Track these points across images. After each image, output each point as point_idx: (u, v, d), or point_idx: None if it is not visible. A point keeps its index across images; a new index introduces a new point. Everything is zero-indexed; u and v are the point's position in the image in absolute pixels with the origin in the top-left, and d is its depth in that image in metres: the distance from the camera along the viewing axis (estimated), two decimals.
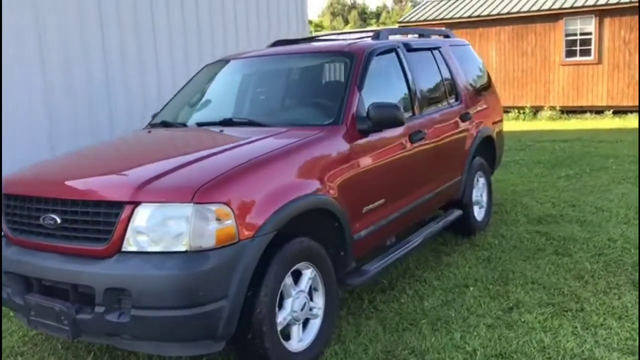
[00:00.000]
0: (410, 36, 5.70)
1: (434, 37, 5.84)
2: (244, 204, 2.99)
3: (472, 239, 5.62)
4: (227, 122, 4.10)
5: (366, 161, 3.94)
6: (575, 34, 15.48)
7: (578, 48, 15.50)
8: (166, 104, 4.82)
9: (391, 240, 4.58)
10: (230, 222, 2.90)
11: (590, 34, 15.27)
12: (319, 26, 66.07)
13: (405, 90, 4.70)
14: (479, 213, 5.94)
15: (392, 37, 5.05)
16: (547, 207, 6.64)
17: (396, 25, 24.04)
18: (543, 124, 15.05)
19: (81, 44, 6.50)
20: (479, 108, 5.94)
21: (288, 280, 3.28)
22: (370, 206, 3.99)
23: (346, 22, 79.55)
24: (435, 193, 4.92)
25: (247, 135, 3.70)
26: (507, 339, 3.60)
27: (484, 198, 6.07)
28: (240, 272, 2.92)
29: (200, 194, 2.86)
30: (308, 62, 4.52)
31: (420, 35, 5.73)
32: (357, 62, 4.21)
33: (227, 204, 2.91)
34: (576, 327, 3.68)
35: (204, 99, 4.67)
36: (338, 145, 3.75)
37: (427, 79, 5.12)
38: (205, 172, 3.03)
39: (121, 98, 6.95)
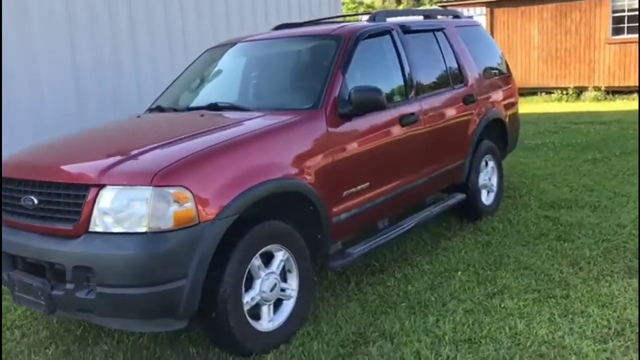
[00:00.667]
0: (414, 18, 5.61)
1: (440, 18, 5.74)
2: (205, 188, 3.06)
3: (477, 224, 5.55)
4: (212, 107, 4.19)
5: (347, 145, 3.95)
6: (623, 10, 14.82)
7: (626, 25, 14.84)
8: (166, 89, 4.94)
9: (384, 223, 4.59)
10: (189, 205, 2.99)
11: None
12: (370, 7, 65.35)
13: (399, 73, 4.66)
14: (487, 197, 5.85)
15: (391, 20, 5.01)
16: (564, 192, 6.46)
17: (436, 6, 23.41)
18: (586, 105, 14.53)
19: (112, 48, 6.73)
20: (489, 90, 5.82)
21: (256, 261, 3.35)
22: (352, 190, 4.00)
23: (398, 2, 78.36)
24: (431, 177, 4.87)
25: (224, 120, 3.78)
26: (481, 324, 3.57)
27: (494, 182, 5.96)
28: (200, 253, 3.01)
29: (158, 177, 2.95)
30: (296, 46, 4.54)
31: (426, 17, 5.64)
32: (343, 46, 4.21)
33: (187, 187, 2.99)
34: (554, 314, 3.61)
35: (198, 83, 4.75)
36: (315, 129, 3.77)
37: (425, 61, 5.06)
38: (168, 157, 3.12)
39: (150, 79, 7.12)
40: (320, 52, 4.29)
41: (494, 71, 6.13)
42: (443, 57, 5.28)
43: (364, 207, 4.14)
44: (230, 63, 4.76)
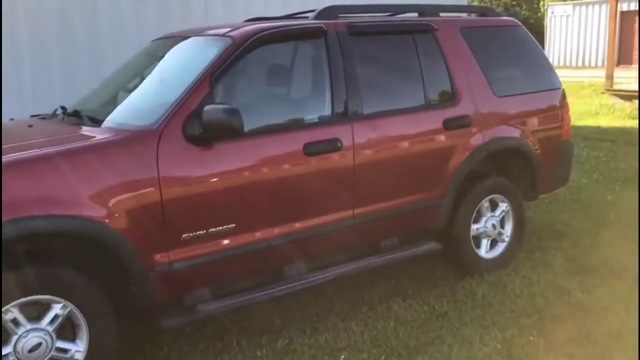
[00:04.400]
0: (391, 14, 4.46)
1: (445, 16, 4.50)
2: None
3: (462, 282, 4.32)
4: (73, 114, 3.63)
5: (195, 177, 3.15)
6: None
7: None
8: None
9: (299, 269, 3.68)
10: None
11: None
12: None
13: (323, 87, 3.67)
14: (490, 249, 4.55)
15: (353, 16, 4.00)
16: (621, 251, 4.81)
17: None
18: None
19: None
20: (506, 112, 4.48)
21: (10, 314, 2.75)
22: (200, 232, 3.18)
23: None
24: (364, 220, 3.79)
25: (32, 135, 3.21)
26: None
27: (506, 230, 4.61)
28: None
29: None
30: (185, 49, 3.75)
31: (421, 14, 4.45)
32: (224, 51, 3.36)
33: None
34: None
35: (105, 83, 4.16)
36: (136, 155, 3.01)
37: (382, 73, 3.98)
38: None
39: None
40: (199, 58, 3.47)
41: (528, 87, 4.70)
42: (420, 67, 4.10)
43: (228, 254, 3.30)
44: (137, 63, 4.10)
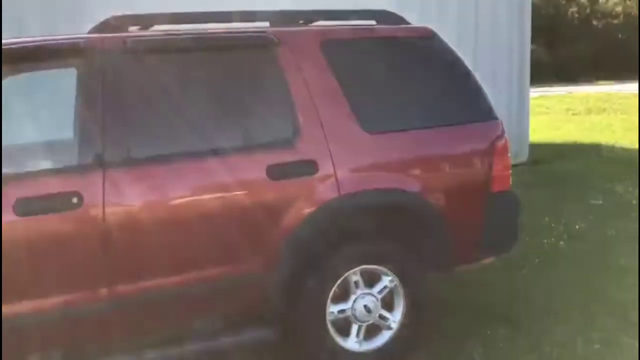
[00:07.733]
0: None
1: (311, 26, 3.40)
2: None
3: None
4: None
5: None
6: None
7: None
8: None
9: None
10: None
11: None
12: None
13: (64, 124, 2.80)
14: (364, 339, 3.34)
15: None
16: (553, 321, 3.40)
17: None
18: None
19: None
20: (384, 152, 3.29)
21: None
22: None
23: None
24: (128, 303, 2.81)
25: None
26: None
27: (394, 313, 3.39)
28: None
29: None
30: None
31: (273, 23, 3.38)
32: None
33: None
34: None
35: None
36: None
37: (174, 103, 2.98)
38: None
39: None
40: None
41: (431, 119, 3.44)
42: (240, 95, 3.06)
43: None
44: None
